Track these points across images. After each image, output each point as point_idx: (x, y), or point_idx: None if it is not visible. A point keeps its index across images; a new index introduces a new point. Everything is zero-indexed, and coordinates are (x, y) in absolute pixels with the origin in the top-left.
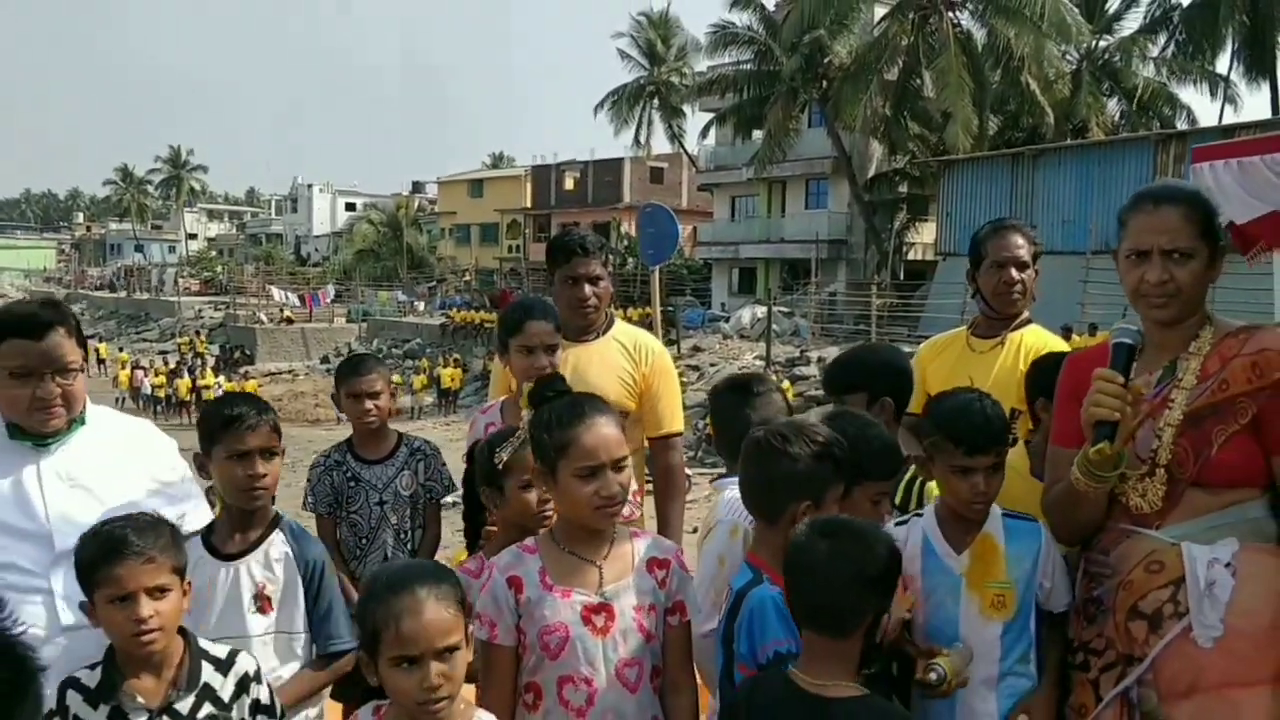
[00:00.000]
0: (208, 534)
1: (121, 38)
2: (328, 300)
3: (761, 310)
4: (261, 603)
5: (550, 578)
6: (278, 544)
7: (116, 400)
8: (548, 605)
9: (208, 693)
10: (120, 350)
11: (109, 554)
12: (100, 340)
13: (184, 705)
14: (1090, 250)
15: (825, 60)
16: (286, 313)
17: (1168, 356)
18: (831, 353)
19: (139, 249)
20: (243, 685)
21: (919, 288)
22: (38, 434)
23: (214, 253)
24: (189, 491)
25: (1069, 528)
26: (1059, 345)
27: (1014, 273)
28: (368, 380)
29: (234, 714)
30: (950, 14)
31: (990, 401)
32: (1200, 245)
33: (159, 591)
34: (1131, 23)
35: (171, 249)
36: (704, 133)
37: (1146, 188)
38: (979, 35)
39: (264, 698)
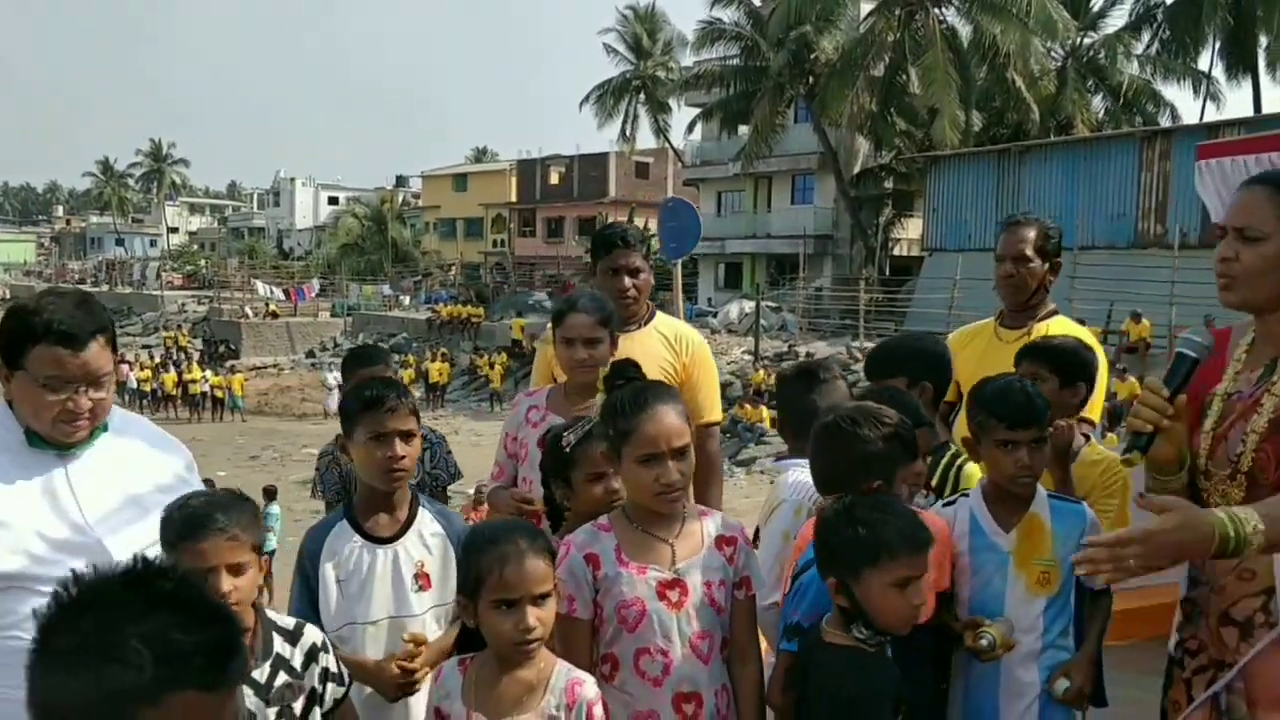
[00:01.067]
0: (352, 520)
1: (100, 30)
2: (312, 294)
3: (749, 305)
4: (421, 580)
5: (625, 554)
6: (428, 522)
7: None
8: (624, 581)
9: (280, 662)
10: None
11: (194, 529)
12: None
13: (260, 674)
14: (1077, 246)
15: (811, 56)
16: (271, 307)
17: (1271, 354)
18: (819, 348)
19: (120, 243)
20: (311, 655)
21: (905, 283)
22: (59, 443)
23: (196, 246)
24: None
25: None
26: (1084, 335)
27: (1010, 266)
28: (376, 371)
29: (305, 682)
30: (936, 10)
31: (1030, 384)
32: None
33: (239, 568)
34: (1116, 20)
35: (153, 243)
36: (690, 128)
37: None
38: (965, 31)
39: (332, 666)
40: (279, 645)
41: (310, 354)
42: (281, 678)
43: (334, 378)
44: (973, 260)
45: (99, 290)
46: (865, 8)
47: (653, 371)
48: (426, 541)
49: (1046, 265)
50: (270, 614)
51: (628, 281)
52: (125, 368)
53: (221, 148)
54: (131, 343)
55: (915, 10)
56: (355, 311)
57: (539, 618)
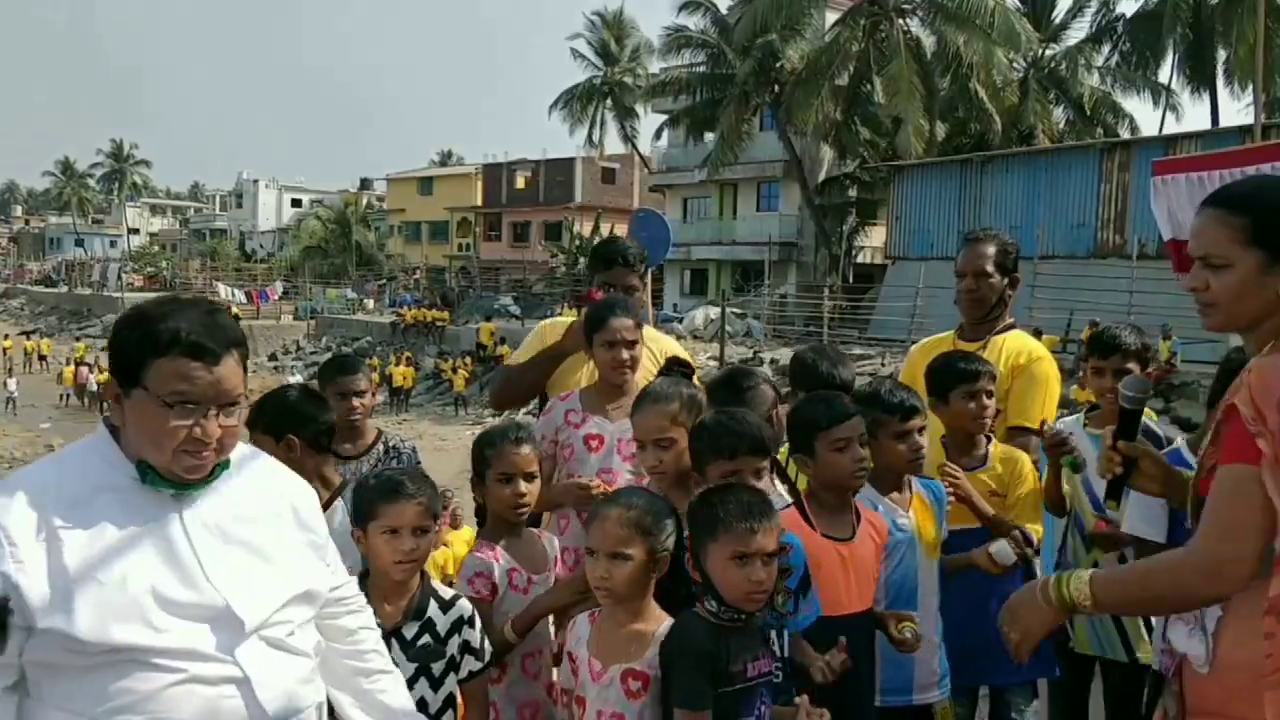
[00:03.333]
0: None
1: (60, 27)
2: (275, 297)
3: (715, 311)
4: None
5: None
6: (436, 612)
7: (62, 397)
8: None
9: (429, 625)
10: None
11: (390, 493)
12: (41, 337)
13: (409, 631)
14: (1038, 255)
15: (777, 64)
16: (234, 309)
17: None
18: (784, 354)
19: (79, 243)
20: (457, 626)
21: (868, 291)
22: (178, 481)
23: (157, 248)
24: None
25: None
26: (1038, 349)
27: (970, 282)
28: (354, 380)
29: (446, 649)
30: (901, 21)
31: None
32: (1241, 254)
33: (422, 531)
34: (1077, 32)
35: (113, 244)
36: (657, 134)
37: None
38: (929, 42)
39: (474, 641)
40: (432, 610)
41: (273, 357)
42: (425, 638)
43: (296, 380)
44: (935, 269)
45: (58, 291)
46: (830, 17)
47: (640, 382)
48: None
49: (1005, 280)
50: (434, 583)
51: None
52: (85, 370)
53: (184, 149)
54: (92, 344)
55: (880, 20)
56: (319, 315)
57: (530, 490)
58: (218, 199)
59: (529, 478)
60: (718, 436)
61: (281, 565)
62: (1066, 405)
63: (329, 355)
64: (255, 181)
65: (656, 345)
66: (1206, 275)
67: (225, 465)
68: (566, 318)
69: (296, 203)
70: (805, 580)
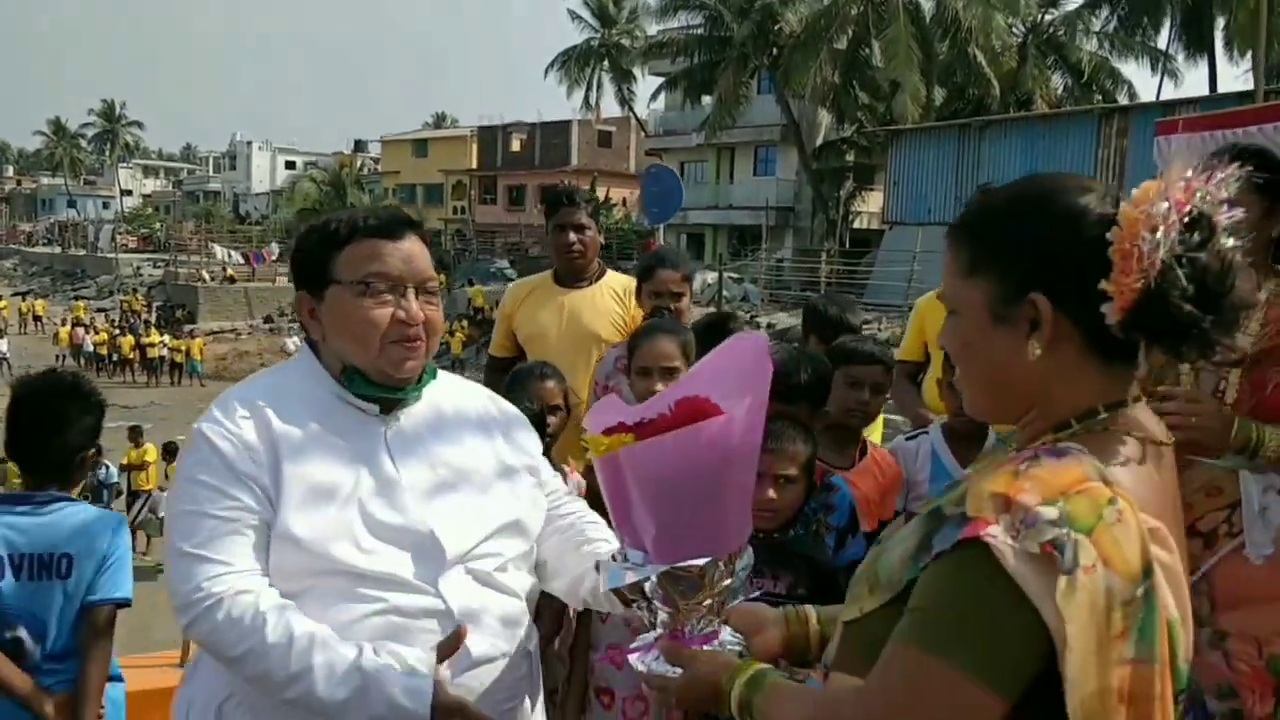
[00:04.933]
0: None
1: None
2: (271, 258)
3: (712, 275)
4: None
5: None
6: None
7: (57, 358)
8: None
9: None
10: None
11: (767, 437)
12: (35, 297)
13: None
14: None
15: (775, 27)
16: (229, 271)
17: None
18: (780, 318)
19: (71, 204)
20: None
21: (865, 255)
22: (389, 382)
23: (151, 209)
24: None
25: None
26: None
27: None
28: None
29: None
30: None
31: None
32: (1247, 201)
33: (786, 480)
34: None
35: (105, 205)
36: (654, 97)
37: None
38: (927, 6)
39: None
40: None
41: (268, 319)
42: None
43: (293, 343)
44: (932, 234)
45: (51, 251)
46: None
47: (604, 324)
48: None
49: None
50: None
51: (572, 237)
52: (80, 331)
53: (176, 110)
54: (86, 306)
55: None
56: None
57: (553, 422)
58: (211, 161)
59: (553, 410)
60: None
61: (490, 492)
62: None
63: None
64: (249, 143)
65: (621, 285)
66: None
67: (432, 374)
68: (529, 278)
69: (290, 165)
70: (854, 521)
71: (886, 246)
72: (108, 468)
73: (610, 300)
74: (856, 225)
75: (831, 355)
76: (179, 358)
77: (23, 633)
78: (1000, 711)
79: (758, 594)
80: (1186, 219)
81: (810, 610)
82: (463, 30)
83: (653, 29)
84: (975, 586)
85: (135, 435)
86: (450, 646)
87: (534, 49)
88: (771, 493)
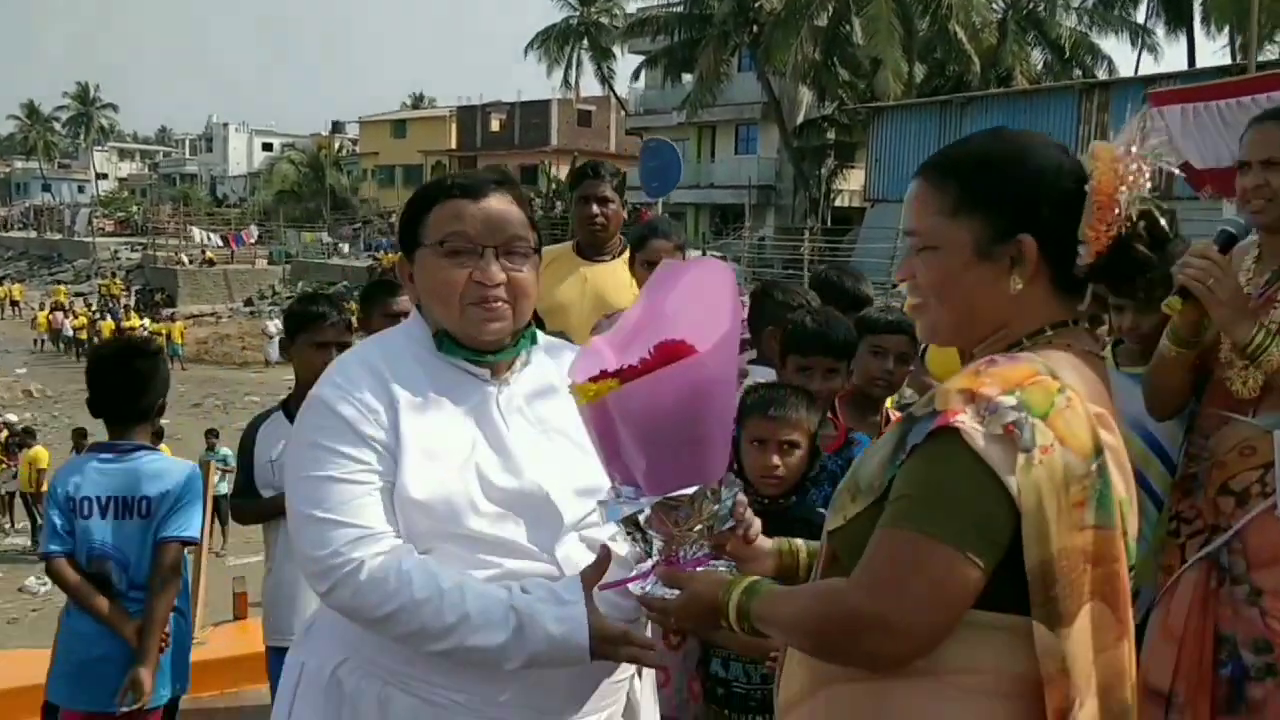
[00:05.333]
0: (289, 415)
1: None
2: (251, 240)
3: (695, 254)
4: None
5: None
6: None
7: (36, 343)
8: None
9: None
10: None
11: (771, 405)
12: (12, 282)
13: None
14: None
15: (756, 4)
16: (208, 254)
17: (1278, 263)
18: None
19: (46, 188)
20: None
21: (847, 233)
22: (477, 346)
23: (127, 193)
24: None
25: (1154, 396)
26: None
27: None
28: (400, 300)
29: None
30: None
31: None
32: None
33: (790, 446)
34: None
35: (80, 189)
36: (635, 76)
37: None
38: None
39: None
40: None
41: (249, 302)
42: None
43: (275, 326)
44: None
45: (27, 236)
46: None
47: (626, 298)
48: None
49: None
50: None
51: (595, 209)
52: (60, 315)
53: (151, 92)
54: (66, 290)
55: None
56: (293, 259)
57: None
58: (187, 143)
59: None
60: (797, 333)
61: (595, 456)
62: None
63: (370, 281)
64: (225, 125)
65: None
66: (1267, 174)
67: (530, 339)
68: (550, 246)
69: (268, 146)
70: None
71: (869, 224)
72: None
73: (630, 276)
74: (838, 203)
75: (855, 325)
76: (160, 341)
77: (110, 565)
78: (981, 576)
79: None
80: (1147, 177)
81: (800, 542)
82: (440, 8)
83: (632, 7)
84: (951, 468)
85: None
86: (597, 571)
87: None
88: (776, 459)
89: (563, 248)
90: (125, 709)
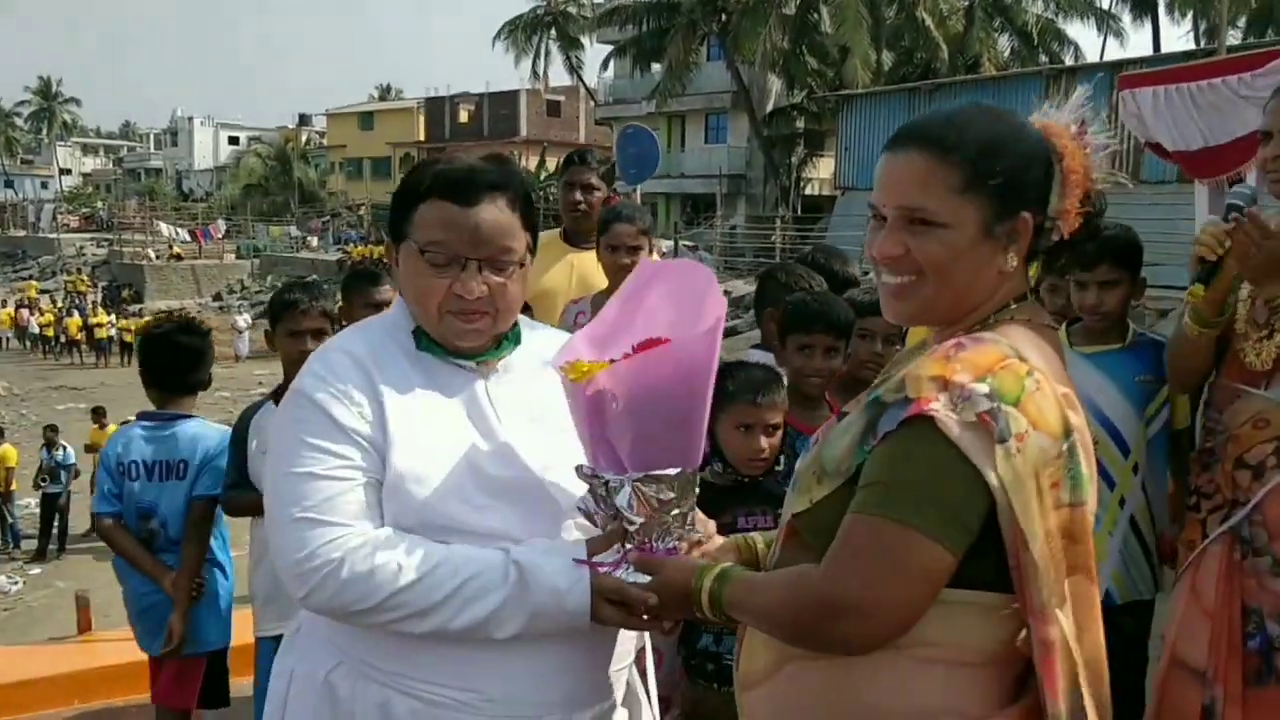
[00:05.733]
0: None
1: None
2: (218, 235)
3: (666, 244)
4: None
5: None
6: None
7: (1, 340)
8: None
9: None
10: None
11: (759, 389)
12: None
13: None
14: None
15: None
16: (175, 249)
17: None
18: (736, 285)
19: (9, 184)
20: None
21: (818, 221)
22: (454, 350)
23: (92, 188)
24: None
25: (1176, 372)
26: None
27: None
28: (382, 290)
29: None
30: None
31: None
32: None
33: (774, 428)
34: None
35: (44, 185)
36: (603, 65)
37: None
38: None
39: None
40: None
41: (218, 296)
42: None
43: (244, 320)
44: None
45: None
46: None
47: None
48: None
49: None
50: None
51: (578, 195)
52: (25, 312)
53: (114, 86)
54: (28, 287)
55: None
56: (262, 253)
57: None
58: (152, 137)
59: None
60: (798, 312)
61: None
62: None
63: (351, 271)
64: (190, 119)
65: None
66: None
67: (514, 340)
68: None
69: (234, 140)
70: None
71: (839, 212)
72: (65, 448)
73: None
74: (809, 191)
75: None
76: (129, 337)
77: (155, 523)
78: (954, 561)
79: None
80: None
81: (756, 536)
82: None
83: None
84: (925, 456)
85: (99, 416)
86: (606, 542)
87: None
88: (764, 443)
89: (551, 234)
90: (164, 651)
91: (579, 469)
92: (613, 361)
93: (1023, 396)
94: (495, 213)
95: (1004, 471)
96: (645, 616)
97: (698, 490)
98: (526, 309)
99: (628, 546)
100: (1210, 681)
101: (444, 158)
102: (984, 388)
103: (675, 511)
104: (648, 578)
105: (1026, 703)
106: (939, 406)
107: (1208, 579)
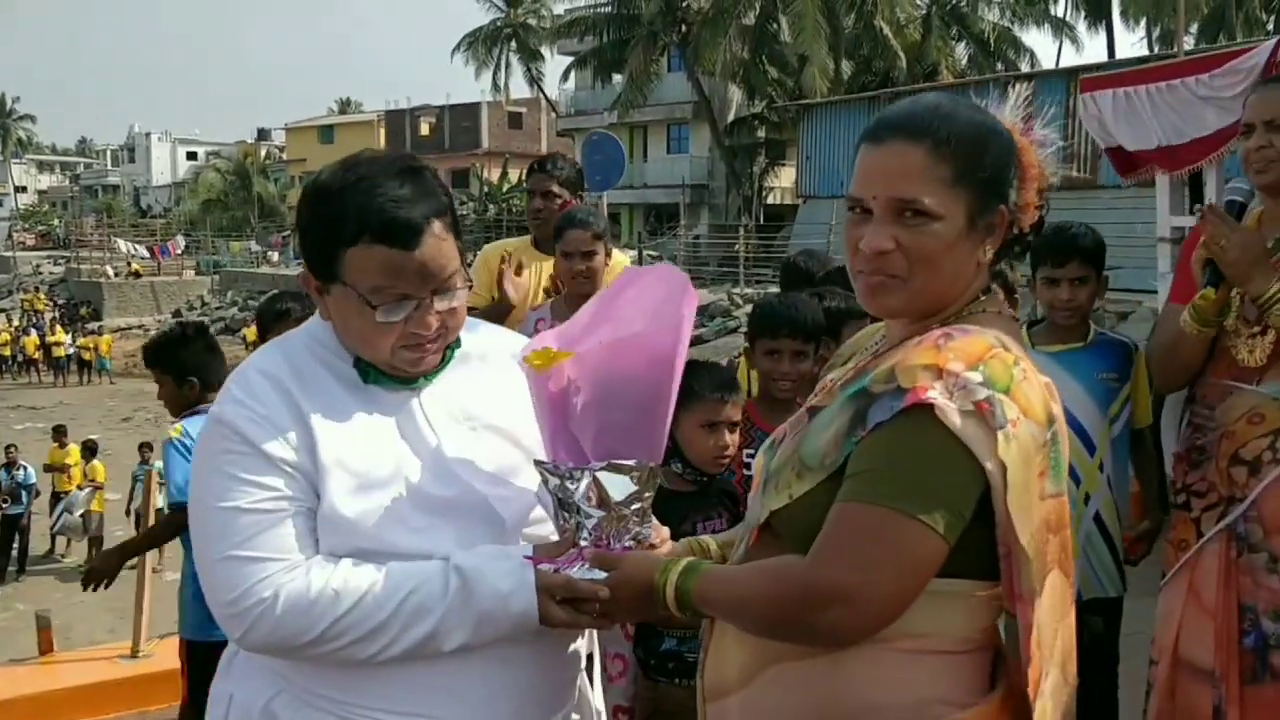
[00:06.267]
0: None
1: None
2: (177, 251)
3: (631, 254)
4: None
5: None
6: None
7: None
8: None
9: None
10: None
11: (724, 387)
12: None
13: None
14: None
15: (684, 4)
16: (134, 266)
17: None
18: (701, 294)
19: None
20: None
21: (781, 230)
22: (404, 377)
23: (48, 206)
24: None
25: (1167, 370)
26: None
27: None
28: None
29: None
30: None
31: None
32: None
33: (734, 425)
34: None
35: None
36: (564, 76)
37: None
38: None
39: None
40: None
41: (177, 313)
42: None
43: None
44: (845, 207)
45: None
46: None
47: None
48: None
49: None
50: None
51: (539, 202)
52: None
53: (69, 103)
54: None
55: None
56: (222, 269)
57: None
58: (108, 154)
59: None
60: (765, 316)
61: (527, 444)
62: None
63: (267, 303)
64: (148, 135)
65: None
66: (1271, 135)
67: (457, 345)
68: (506, 240)
69: (192, 155)
70: None
71: (801, 220)
72: (26, 469)
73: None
74: (770, 200)
75: None
76: (88, 355)
77: None
78: (947, 550)
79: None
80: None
81: (709, 539)
82: (363, 12)
83: (559, 8)
84: (923, 444)
85: (59, 435)
86: (557, 548)
87: (439, 30)
88: (728, 439)
89: (521, 241)
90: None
91: (538, 463)
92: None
93: (1012, 385)
94: (436, 244)
95: (1004, 457)
96: (598, 614)
97: (659, 483)
98: (499, 317)
99: (582, 544)
100: (1218, 680)
101: (351, 181)
102: (977, 376)
103: (636, 505)
104: (603, 574)
105: (1001, 690)
106: (936, 394)
107: (1207, 578)
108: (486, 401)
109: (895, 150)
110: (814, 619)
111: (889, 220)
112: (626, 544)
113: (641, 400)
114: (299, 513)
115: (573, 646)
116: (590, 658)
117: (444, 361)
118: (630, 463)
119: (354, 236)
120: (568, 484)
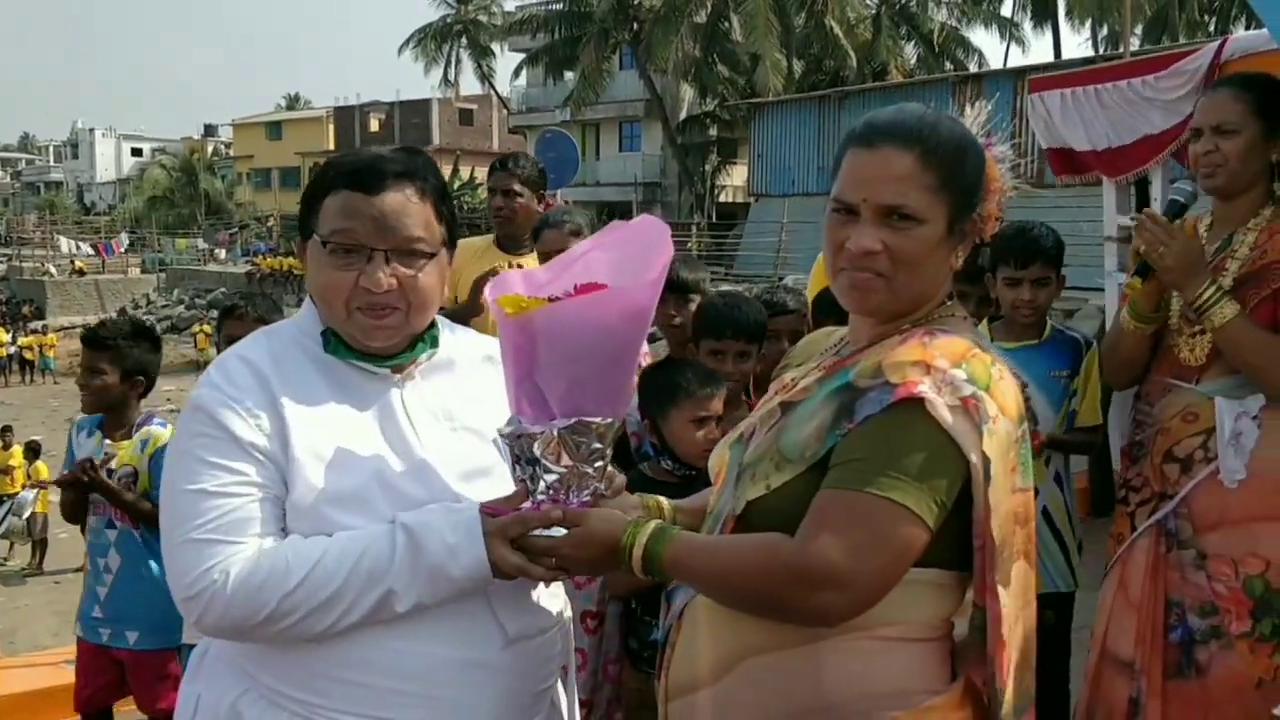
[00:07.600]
0: None
1: None
2: (121, 249)
3: None
4: None
5: None
6: None
7: None
8: None
9: None
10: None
11: (710, 382)
12: None
13: None
14: None
15: (636, 2)
16: (78, 264)
17: (1228, 230)
18: None
19: None
20: None
21: (733, 228)
22: (365, 350)
23: None
24: None
25: (1110, 366)
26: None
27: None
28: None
29: None
30: None
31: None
32: (1249, 122)
33: (719, 420)
34: None
35: None
36: (516, 73)
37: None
38: None
39: None
40: None
41: (123, 312)
42: None
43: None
44: (798, 205)
45: None
46: None
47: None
48: None
49: None
50: None
51: (500, 201)
52: None
53: (10, 98)
54: None
55: None
56: (168, 266)
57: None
58: (51, 150)
59: None
60: (709, 317)
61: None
62: None
63: (229, 303)
64: (91, 130)
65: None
66: (1216, 140)
67: (431, 342)
68: (472, 239)
69: (137, 152)
70: None
71: (753, 218)
72: None
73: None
74: (722, 199)
75: None
76: (31, 355)
77: None
78: (926, 541)
79: None
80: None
81: (663, 499)
82: (313, 11)
83: (511, 4)
84: (914, 435)
85: (3, 435)
86: (506, 503)
87: (388, 27)
88: (716, 432)
89: (485, 240)
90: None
91: (500, 429)
92: (551, 299)
93: (991, 384)
94: (402, 200)
95: (987, 451)
96: (555, 566)
97: (610, 446)
98: (463, 319)
99: (540, 499)
100: (1138, 673)
101: (354, 151)
102: (962, 374)
103: (600, 463)
104: (561, 531)
105: (964, 678)
106: (927, 389)
107: (1135, 572)
108: (467, 403)
109: (887, 156)
110: (803, 598)
111: (876, 222)
112: (584, 499)
113: (613, 353)
114: (266, 499)
115: (548, 655)
116: (564, 668)
117: (414, 350)
118: (596, 419)
119: (330, 185)
120: (528, 439)
